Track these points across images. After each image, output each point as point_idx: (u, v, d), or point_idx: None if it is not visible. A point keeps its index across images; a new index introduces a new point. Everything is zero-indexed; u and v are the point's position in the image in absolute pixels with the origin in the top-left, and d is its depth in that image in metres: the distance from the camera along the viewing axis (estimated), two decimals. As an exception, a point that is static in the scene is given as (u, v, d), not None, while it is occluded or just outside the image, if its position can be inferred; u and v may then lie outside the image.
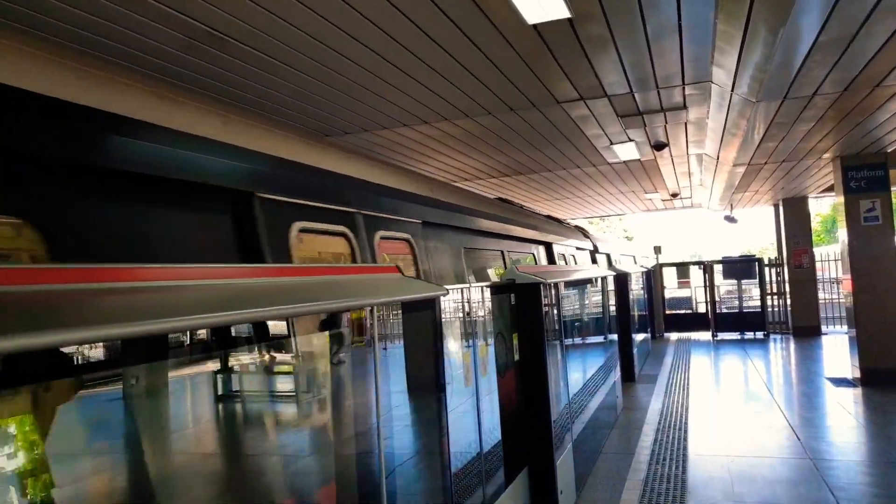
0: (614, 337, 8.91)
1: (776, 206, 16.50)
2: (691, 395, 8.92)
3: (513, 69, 5.42)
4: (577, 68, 5.46)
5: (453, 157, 8.97)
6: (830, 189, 14.41)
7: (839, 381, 9.19)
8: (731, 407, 8.11)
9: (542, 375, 4.53)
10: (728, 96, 6.00)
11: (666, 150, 9.37)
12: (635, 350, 10.73)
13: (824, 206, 35.77)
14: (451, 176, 10.55)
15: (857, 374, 9.04)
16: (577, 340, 6.62)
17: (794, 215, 15.17)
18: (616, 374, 8.27)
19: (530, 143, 8.39)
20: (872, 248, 8.91)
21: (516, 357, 4.52)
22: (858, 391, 8.59)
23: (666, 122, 7.49)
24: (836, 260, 15.12)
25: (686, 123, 7.75)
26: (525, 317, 4.57)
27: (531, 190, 12.65)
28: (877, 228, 8.91)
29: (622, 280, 10.39)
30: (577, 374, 6.18)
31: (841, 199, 9.22)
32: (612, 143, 8.65)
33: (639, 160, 10.09)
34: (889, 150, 8.85)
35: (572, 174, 11.09)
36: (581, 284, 6.79)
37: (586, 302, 7.36)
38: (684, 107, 6.86)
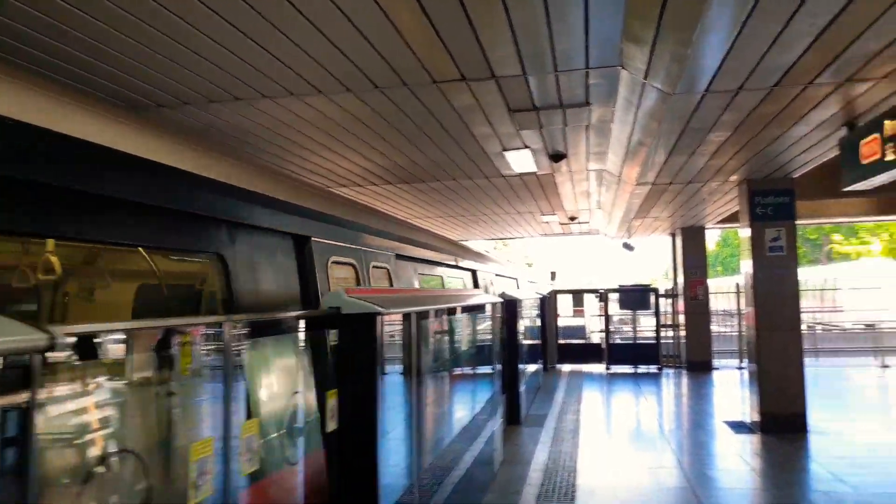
0: (497, 376, 7.67)
1: (673, 236, 16.11)
2: (581, 443, 7.81)
3: (373, 29, 4.08)
4: (456, 33, 4.19)
5: (323, 154, 7.51)
6: (728, 220, 14.09)
7: (737, 427, 8.38)
8: (623, 460, 7.03)
9: (369, 452, 3.12)
10: (640, 88, 4.93)
11: (564, 163, 8.34)
12: (523, 388, 9.58)
13: (711, 239, 36.99)
14: (326, 181, 9.07)
15: (756, 419, 8.27)
16: (444, 385, 5.29)
17: (692, 245, 14.76)
18: (497, 420, 7.01)
19: (410, 142, 7.09)
20: (776, 281, 8.22)
21: (331, 426, 3.10)
22: (758, 439, 7.78)
23: (565, 124, 6.40)
24: (729, 292, 14.80)
25: (588, 128, 6.70)
26: (352, 363, 3.17)
27: (420, 203, 11.37)
28: (781, 259, 8.24)
29: (511, 308, 9.24)
30: (441, 432, 4.84)
31: (746, 226, 8.51)
32: (505, 149, 7.50)
33: (535, 174, 9.02)
34: (795, 176, 8.22)
35: (463, 186, 9.90)
36: (453, 312, 5.49)
37: (460, 335, 6.08)
38: (587, 103, 5.78)
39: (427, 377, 4.62)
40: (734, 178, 8.30)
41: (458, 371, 5.89)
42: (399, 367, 4.00)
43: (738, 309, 14.56)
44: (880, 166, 4.88)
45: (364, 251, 4.38)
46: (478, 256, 10.15)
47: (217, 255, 2.65)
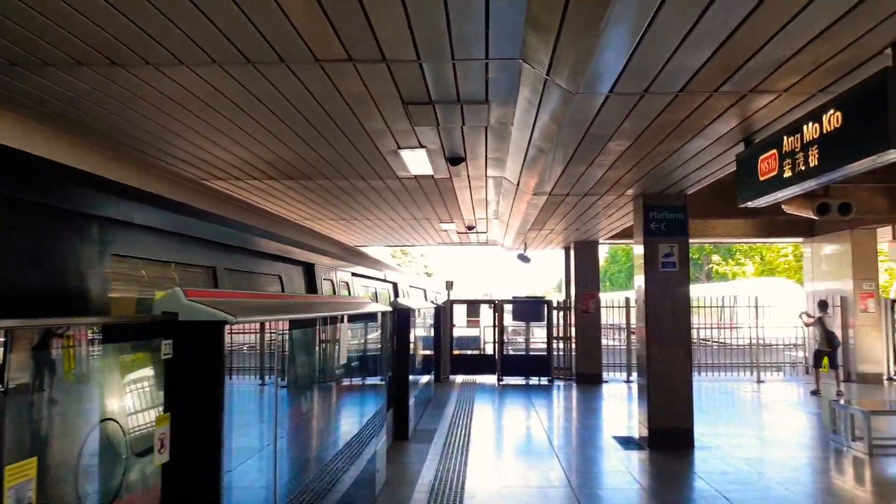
0: (384, 389, 7.11)
1: (567, 249, 16.23)
2: (470, 461, 7.40)
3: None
4: (340, 2, 3.64)
5: (191, 139, 6.71)
6: (619, 235, 14.31)
7: (626, 442, 8.28)
8: (512, 478, 6.68)
9: (209, 488, 2.50)
10: (542, 86, 4.58)
11: (463, 167, 7.96)
12: (412, 401, 9.09)
13: (600, 255, 38.31)
14: (201, 172, 8.21)
15: (644, 434, 8.21)
16: (322, 400, 4.69)
17: (585, 259, 14.88)
18: (381, 438, 6.46)
19: (294, 133, 6.44)
20: (668, 296, 8.20)
21: (159, 458, 2.46)
22: (646, 455, 7.68)
23: (464, 123, 5.99)
24: (619, 307, 15.04)
25: (487, 130, 6.33)
26: (191, 381, 2.54)
27: (309, 203, 10.65)
28: (673, 275, 8.24)
29: (404, 318, 8.73)
30: (313, 453, 4.23)
31: (640, 241, 8.47)
32: (399, 147, 7.00)
33: (432, 177, 8.58)
34: (689, 193, 8.27)
35: (356, 187, 9.31)
36: (333, 322, 4.90)
37: (343, 346, 5.49)
38: (486, 100, 5.39)
39: (301, 392, 4.02)
40: (630, 192, 8.24)
41: (339, 385, 5.30)
42: (275, 380, 3.39)
43: (628, 323, 14.81)
44: (778, 183, 4.78)
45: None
46: (387, 269, 9.58)
47: None
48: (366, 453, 5.85)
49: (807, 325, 13.02)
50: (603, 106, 4.75)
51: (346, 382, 5.57)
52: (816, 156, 4.21)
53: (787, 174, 4.64)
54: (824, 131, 4.10)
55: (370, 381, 6.41)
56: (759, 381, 14.10)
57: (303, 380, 4.10)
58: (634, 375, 14.74)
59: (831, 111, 4.01)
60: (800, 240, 15.95)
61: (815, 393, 12.17)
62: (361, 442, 5.65)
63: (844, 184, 10.60)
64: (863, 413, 7.49)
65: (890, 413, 8.05)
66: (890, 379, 13.71)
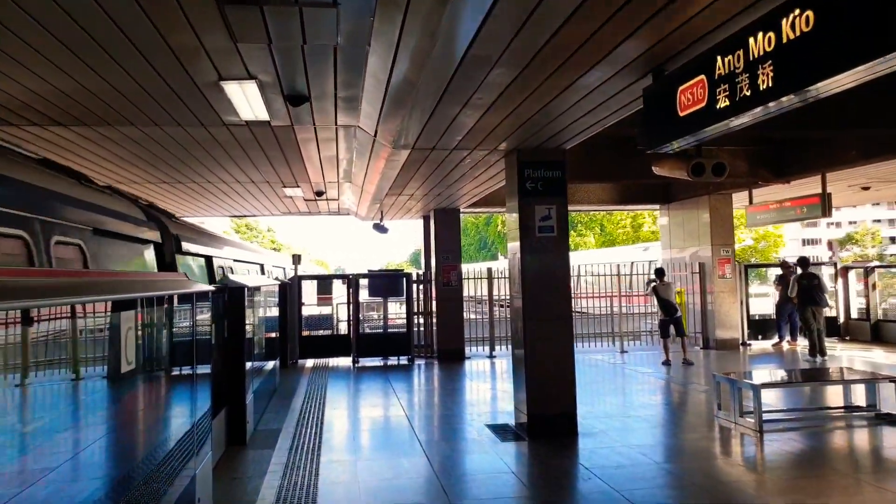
0: (207, 388, 5.47)
1: (426, 219, 15.11)
2: (322, 468, 6.00)
3: None
4: None
5: None
6: (481, 203, 13.38)
7: (502, 432, 7.29)
8: (374, 489, 5.38)
9: None
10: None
11: (307, 110, 6.39)
12: (251, 397, 7.49)
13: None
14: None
15: (523, 421, 7.27)
16: (99, 414, 3.07)
17: (446, 228, 13.82)
18: (204, 454, 4.86)
19: (71, 53, 4.56)
20: (546, 265, 7.25)
21: None
22: (527, 447, 6.72)
23: (305, 39, 4.47)
24: (481, 278, 14.19)
25: (336, 53, 4.84)
26: None
27: (116, 161, 8.52)
28: (551, 241, 7.29)
29: (236, 299, 7.06)
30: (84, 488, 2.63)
31: (514, 204, 7.43)
32: (222, 78, 5.31)
33: (269, 125, 6.93)
34: (567, 147, 7.32)
35: (173, 138, 7.40)
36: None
37: (129, 339, 3.84)
38: (334, 2, 3.91)
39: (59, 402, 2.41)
40: (503, 146, 7.13)
41: (130, 390, 3.68)
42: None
43: (490, 295, 14.02)
44: (708, 116, 3.79)
45: None
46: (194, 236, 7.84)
47: None
48: (180, 478, 4.26)
49: (646, 294, 12.81)
50: (491, 12, 3.48)
51: (142, 386, 3.93)
52: (771, 74, 3.22)
53: (723, 104, 3.65)
54: (785, 40, 3.11)
55: (186, 379, 4.77)
56: (622, 352, 13.92)
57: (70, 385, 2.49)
58: (498, 350, 14.07)
59: (796, 12, 3.02)
60: (656, 207, 16.03)
61: (665, 363, 11.99)
62: (171, 464, 4.06)
63: (709, 146, 10.34)
64: (752, 387, 7.02)
65: (782, 385, 7.71)
66: (743, 344, 14.08)
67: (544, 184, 7.30)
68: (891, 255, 59.74)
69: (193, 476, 4.47)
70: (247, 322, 7.40)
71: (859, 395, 7.86)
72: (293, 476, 5.86)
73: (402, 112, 5.71)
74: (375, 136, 6.98)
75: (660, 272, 12.36)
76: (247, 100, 5.83)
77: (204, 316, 5.54)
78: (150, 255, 6.79)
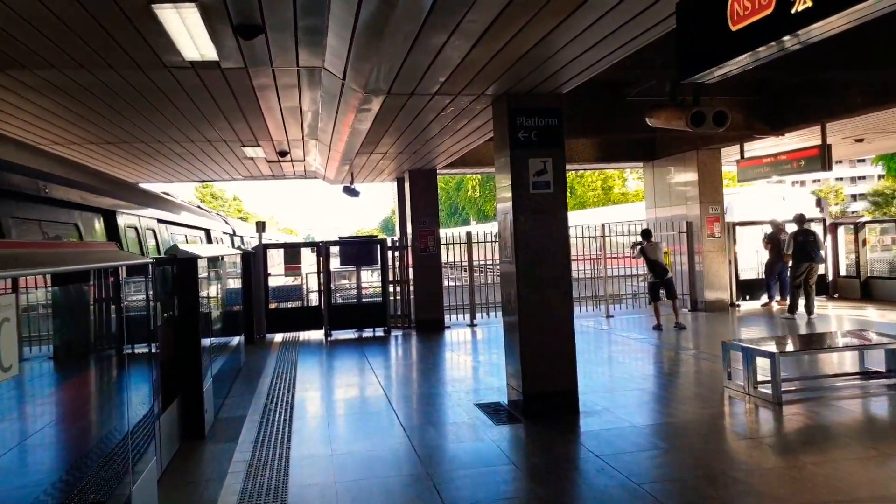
0: (151, 377, 4.55)
1: (400, 181, 14.16)
2: (293, 465, 5.17)
3: None
4: None
5: None
6: (458, 163, 12.43)
7: (495, 412, 6.53)
8: (354, 490, 4.57)
9: None
10: None
11: (262, 46, 5.38)
12: (209, 381, 6.58)
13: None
14: None
15: (517, 398, 6.52)
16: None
17: (422, 191, 12.89)
18: (148, 458, 3.97)
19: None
20: (542, 226, 6.42)
21: None
22: (524, 430, 5.97)
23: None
24: (460, 243, 13.36)
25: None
26: None
27: (40, 114, 7.37)
28: (548, 199, 6.45)
29: (188, 271, 6.10)
30: None
31: (504, 158, 6.55)
32: (152, 0, 4.28)
33: (219, 66, 5.88)
34: (565, 91, 6.44)
35: (106, 85, 6.31)
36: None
37: (64, 318, 2.93)
38: None
39: None
40: (492, 90, 6.21)
41: (42, 389, 2.79)
42: None
43: (470, 261, 13.21)
44: (781, 24, 2.93)
45: None
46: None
47: None
48: (118, 490, 3.39)
49: (634, 257, 12.08)
50: None
51: (48, 388, 3.02)
52: (889, -47, 2.38)
53: (804, 5, 2.80)
54: None
55: (118, 374, 3.86)
56: (608, 317, 13.27)
57: None
58: (479, 318, 13.32)
59: None
60: (640, 164, 15.29)
61: (657, 328, 11.38)
62: (93, 485, 3.17)
63: (704, 97, 9.53)
64: (770, 356, 6.35)
65: (802, 352, 7.05)
66: (732, 305, 13.55)
67: (539, 133, 6.42)
68: (852, 213, 60.56)
69: (129, 494, 3.58)
70: (202, 297, 6.47)
71: (875, 360, 7.27)
72: (258, 478, 5.01)
73: (377, 45, 4.75)
74: (344, 79, 6.00)
75: (646, 233, 11.66)
76: (188, 31, 4.80)
77: (143, 294, 4.59)
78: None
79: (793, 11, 2.86)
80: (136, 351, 4.26)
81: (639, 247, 11.46)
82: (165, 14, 4.47)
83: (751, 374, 6.63)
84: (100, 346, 3.57)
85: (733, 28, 3.25)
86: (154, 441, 4.31)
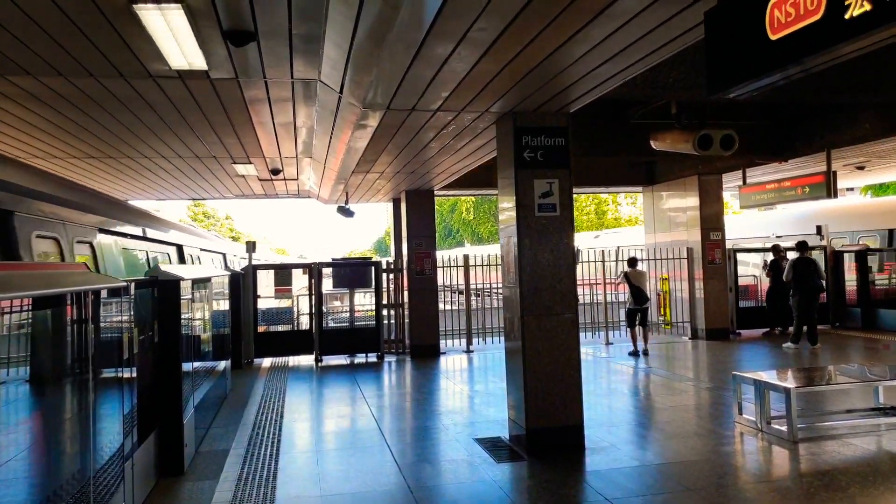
0: (127, 408, 4.13)
1: (396, 202, 13.83)
2: (279, 512, 4.76)
3: None
4: None
5: None
6: (455, 185, 12.11)
7: (496, 448, 6.13)
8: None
9: None
10: None
11: (254, 54, 5.07)
12: (190, 412, 6.15)
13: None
14: None
15: (520, 433, 6.13)
16: None
17: (419, 212, 12.56)
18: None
19: None
20: (547, 249, 6.08)
21: None
22: (528, 469, 5.58)
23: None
24: (457, 266, 12.99)
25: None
26: None
27: (21, 126, 7.01)
28: (554, 222, 6.12)
29: (169, 294, 5.71)
30: None
31: (508, 178, 6.23)
32: (137, 0, 3.95)
33: (207, 76, 5.56)
34: (572, 111, 6.15)
35: (89, 96, 5.97)
36: None
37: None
38: None
39: None
40: (497, 107, 5.91)
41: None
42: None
43: (467, 284, 12.84)
44: (833, 31, 2.63)
45: None
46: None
47: None
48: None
49: (617, 283, 12.14)
50: None
51: (13, 419, 2.64)
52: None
53: (860, 9, 2.50)
54: None
55: (97, 405, 3.46)
56: (608, 344, 12.91)
57: None
58: (476, 343, 12.91)
59: None
60: (639, 189, 15.03)
61: (633, 354, 11.25)
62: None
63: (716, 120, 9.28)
64: (785, 391, 6.00)
65: (818, 387, 6.70)
66: (733, 333, 13.21)
67: (545, 153, 6.11)
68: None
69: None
70: (185, 321, 6.06)
71: (891, 395, 6.93)
72: (240, 521, 4.59)
73: (377, 55, 4.44)
74: (341, 92, 5.68)
75: (632, 261, 11.73)
76: (174, 36, 4.47)
77: (118, 319, 4.21)
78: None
79: (847, 17, 2.56)
80: (108, 384, 3.87)
81: (623, 273, 11.54)
82: (149, 16, 4.14)
83: (764, 409, 6.28)
84: (63, 380, 3.18)
85: (773, 37, 2.94)
86: (123, 485, 3.90)
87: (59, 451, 3.13)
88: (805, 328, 11.35)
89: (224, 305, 9.88)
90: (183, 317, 5.90)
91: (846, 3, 2.56)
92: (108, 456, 3.65)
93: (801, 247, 11.72)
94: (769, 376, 6.59)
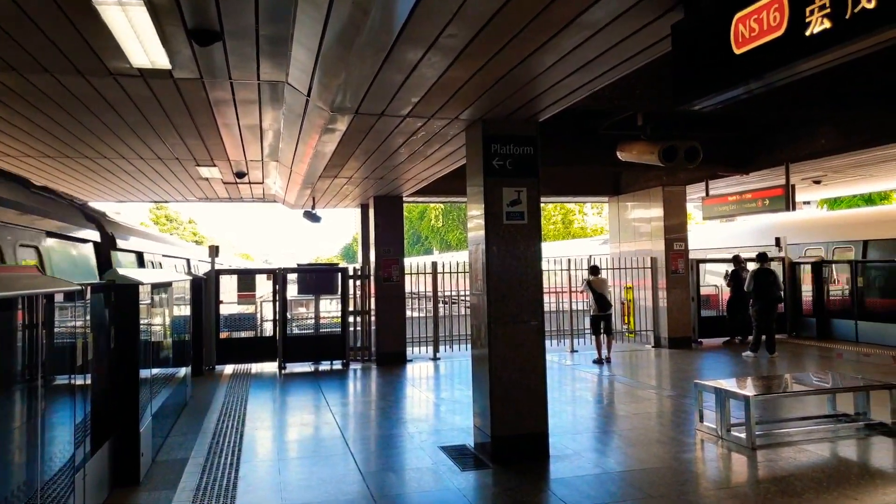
0: (64, 430, 3.98)
1: (364, 207, 13.73)
2: (238, 523, 4.64)
3: None
4: None
5: None
6: (424, 192, 12.12)
7: (460, 456, 6.09)
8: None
9: None
10: None
11: (220, 54, 4.98)
12: (147, 420, 5.98)
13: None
14: None
15: (484, 441, 6.11)
16: None
17: (387, 218, 12.49)
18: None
19: None
20: (515, 258, 6.09)
21: None
22: (492, 477, 5.55)
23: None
24: (425, 273, 12.95)
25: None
26: None
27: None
28: (521, 230, 6.14)
29: (127, 300, 5.55)
30: None
31: (477, 185, 6.24)
32: (94, -3, 3.85)
33: (171, 75, 5.44)
34: (541, 120, 6.19)
35: (45, 94, 5.79)
36: None
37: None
38: None
39: None
40: (467, 114, 5.91)
41: None
42: None
43: (435, 292, 12.79)
44: (793, 47, 2.68)
45: None
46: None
47: None
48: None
49: (580, 291, 12.33)
50: None
51: None
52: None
53: (820, 26, 2.55)
54: None
55: (46, 413, 3.32)
56: (573, 351, 13.00)
57: None
58: (443, 351, 12.87)
59: None
60: (605, 199, 15.21)
61: (597, 362, 11.40)
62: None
63: (676, 131, 9.43)
64: (744, 399, 6.10)
65: (776, 395, 6.82)
66: (695, 342, 13.42)
67: (514, 162, 6.13)
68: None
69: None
70: (144, 327, 5.90)
71: (844, 403, 7.11)
72: (197, 532, 4.47)
73: (346, 58, 4.40)
74: (309, 95, 5.62)
75: (594, 269, 11.96)
76: (135, 33, 4.36)
77: (71, 324, 4.07)
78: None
79: (808, 34, 2.62)
80: (59, 391, 3.73)
81: (585, 281, 11.62)
82: (109, 12, 4.03)
83: (724, 416, 6.38)
84: (12, 386, 3.05)
85: (737, 51, 3.00)
86: (73, 496, 3.75)
87: (6, 461, 3.00)
88: (763, 337, 11.61)
89: (185, 311, 9.67)
90: (141, 322, 5.76)
91: (807, 20, 2.61)
92: (57, 466, 3.51)
93: (762, 258, 11.98)
94: (729, 384, 6.70)
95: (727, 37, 3.05)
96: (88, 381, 4.43)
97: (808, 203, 28.64)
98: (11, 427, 3.05)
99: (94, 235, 7.93)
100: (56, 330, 3.72)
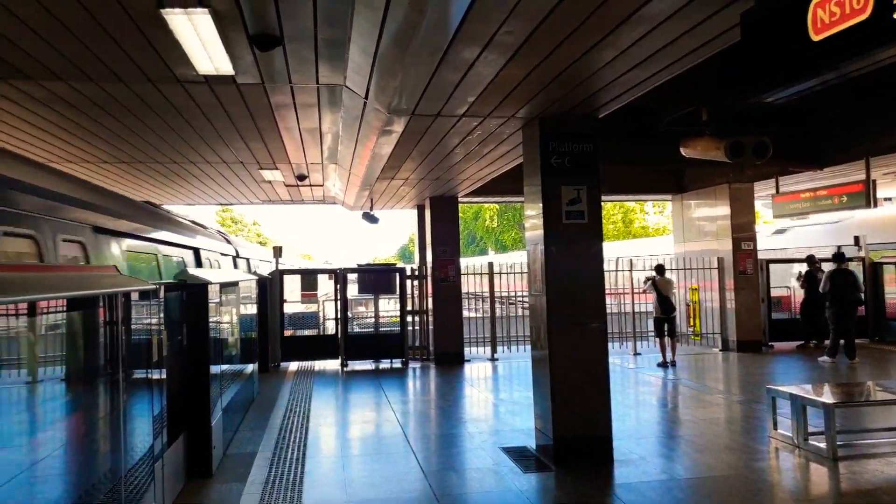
0: (144, 423, 4.12)
1: (420, 208, 13.79)
2: (301, 520, 4.72)
3: None
4: None
5: None
6: (479, 192, 12.04)
7: (522, 458, 6.02)
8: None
9: None
10: None
11: (280, 59, 5.07)
12: (218, 415, 6.16)
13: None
14: None
15: (546, 443, 6.02)
16: None
17: (443, 219, 12.51)
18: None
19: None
20: (575, 258, 5.98)
21: None
22: (554, 479, 5.47)
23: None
24: (482, 273, 12.91)
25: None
26: None
27: (50, 129, 7.13)
28: (582, 230, 6.02)
29: (197, 299, 5.73)
30: None
31: (535, 185, 6.15)
32: (161, 5, 3.98)
33: (234, 81, 5.59)
34: (600, 116, 6.05)
35: (118, 101, 6.04)
36: None
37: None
38: None
39: None
40: (523, 112, 5.83)
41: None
42: None
43: (492, 292, 12.74)
44: (881, 31, 2.52)
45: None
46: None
47: None
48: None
49: (644, 291, 11.87)
50: None
51: (47, 417, 2.64)
52: None
53: (912, 6, 2.39)
54: None
55: (129, 405, 3.46)
56: (636, 354, 12.71)
57: None
58: (501, 352, 12.79)
59: None
60: (668, 197, 14.80)
61: (661, 365, 11.02)
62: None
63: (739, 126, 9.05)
64: (825, 407, 5.79)
65: (860, 405, 6.47)
66: (765, 345, 12.88)
67: (572, 160, 6.02)
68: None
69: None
70: (213, 324, 6.08)
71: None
72: (264, 528, 4.56)
73: (402, 60, 4.41)
74: (366, 98, 5.66)
75: (660, 268, 11.52)
76: (201, 41, 4.49)
77: (147, 322, 4.22)
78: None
79: None
80: (138, 385, 3.87)
81: (650, 281, 11.23)
82: (176, 21, 4.16)
83: (801, 424, 6.08)
84: (95, 381, 3.18)
85: (815, 37, 2.83)
86: (153, 484, 3.89)
87: (92, 449, 3.13)
88: (842, 342, 11.01)
89: (252, 309, 9.93)
90: (211, 320, 5.93)
91: (894, 2, 2.44)
92: (139, 456, 3.65)
93: (839, 258, 11.39)
94: (807, 391, 6.37)
95: (804, 23, 2.89)
96: (164, 376, 4.59)
97: (889, 199, 27.10)
98: (97, 417, 3.19)
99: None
100: (134, 327, 3.87)
